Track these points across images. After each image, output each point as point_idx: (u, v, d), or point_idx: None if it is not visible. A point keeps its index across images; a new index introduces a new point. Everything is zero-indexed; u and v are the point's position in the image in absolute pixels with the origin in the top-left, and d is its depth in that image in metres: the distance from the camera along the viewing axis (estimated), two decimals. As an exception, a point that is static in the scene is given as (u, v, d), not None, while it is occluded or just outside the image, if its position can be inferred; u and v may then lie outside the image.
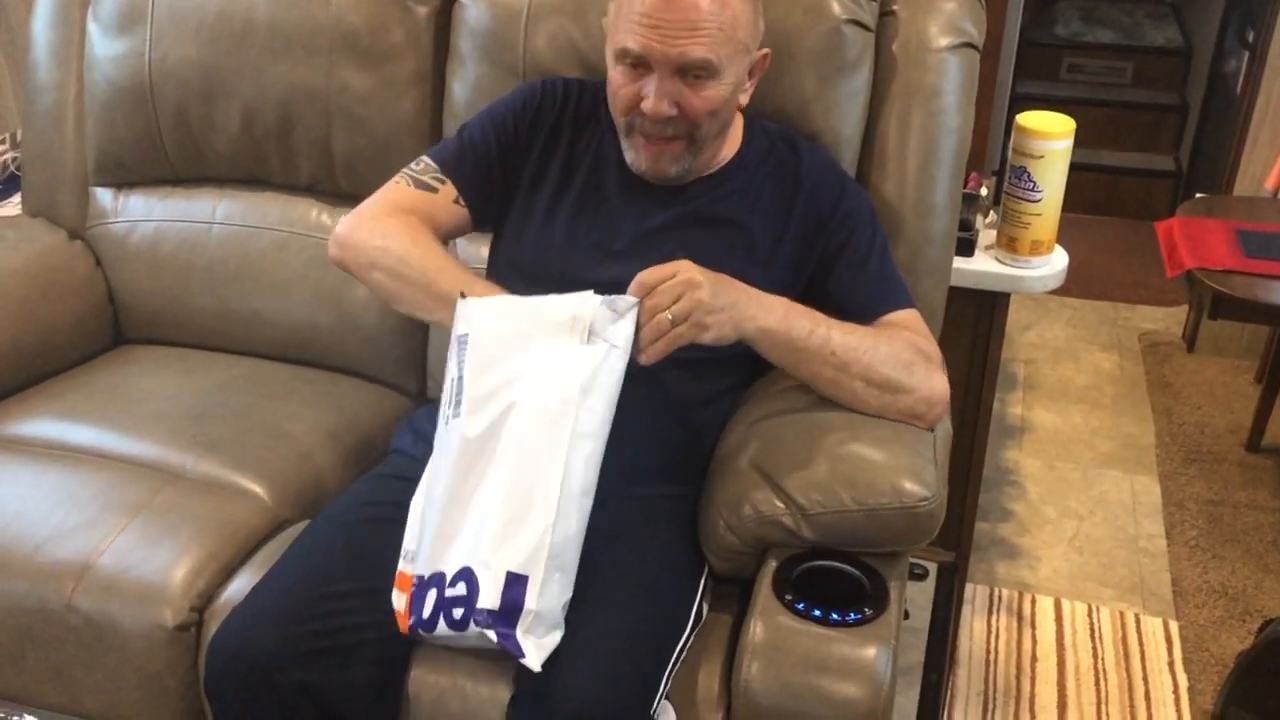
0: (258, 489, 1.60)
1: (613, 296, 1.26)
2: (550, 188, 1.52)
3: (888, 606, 1.28)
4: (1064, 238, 1.95)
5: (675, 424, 1.49)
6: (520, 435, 1.24)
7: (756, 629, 1.26)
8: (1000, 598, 2.29)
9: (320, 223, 1.88)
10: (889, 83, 1.65)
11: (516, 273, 1.51)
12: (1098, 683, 2.09)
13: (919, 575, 2.24)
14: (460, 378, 1.28)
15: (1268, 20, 2.96)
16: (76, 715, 1.48)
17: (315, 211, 1.89)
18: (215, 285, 1.90)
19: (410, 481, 1.37)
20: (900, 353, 1.40)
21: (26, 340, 1.83)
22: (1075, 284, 2.64)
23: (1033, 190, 1.85)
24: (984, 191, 2.02)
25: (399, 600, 1.28)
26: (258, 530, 1.53)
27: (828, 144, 1.63)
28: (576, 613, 1.25)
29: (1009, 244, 1.91)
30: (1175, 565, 2.39)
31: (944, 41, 1.63)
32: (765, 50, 1.47)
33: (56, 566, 1.44)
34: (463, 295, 1.32)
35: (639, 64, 1.38)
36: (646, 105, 1.38)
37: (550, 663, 1.21)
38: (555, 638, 1.23)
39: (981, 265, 1.92)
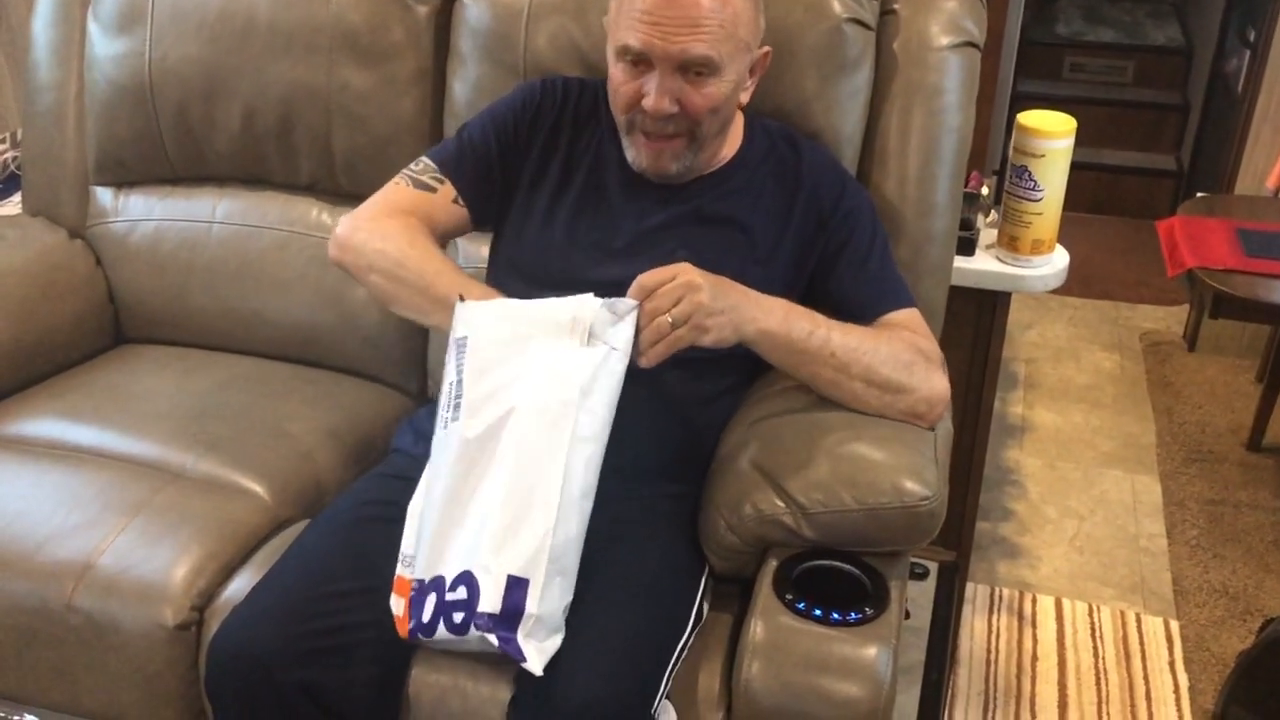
0: (258, 488, 1.59)
1: (613, 299, 1.26)
2: (550, 187, 1.52)
3: (888, 606, 1.28)
4: (1065, 237, 1.94)
5: (675, 424, 1.48)
6: (520, 438, 1.23)
7: (757, 628, 1.26)
8: (1001, 597, 2.29)
9: (321, 222, 1.88)
10: (890, 81, 1.65)
11: (516, 272, 1.51)
12: (1098, 682, 2.09)
13: (920, 575, 2.24)
14: (459, 381, 1.28)
15: (1269, 19, 2.96)
16: (77, 714, 1.48)
17: (316, 211, 1.89)
18: (216, 284, 1.90)
19: (411, 481, 1.36)
20: (900, 353, 1.40)
21: (27, 339, 1.83)
22: (1076, 283, 2.64)
23: (1034, 189, 1.85)
24: (985, 190, 2.02)
25: (397, 605, 1.28)
26: (258, 530, 1.53)
27: (828, 143, 1.62)
28: (577, 613, 1.25)
29: (1010, 243, 1.91)
30: (1176, 565, 2.38)
31: (945, 40, 1.63)
32: (766, 48, 1.47)
33: (57, 566, 1.44)
34: (461, 298, 1.32)
35: (640, 61, 1.38)
36: (647, 102, 1.38)
37: (551, 662, 1.21)
38: (556, 641, 1.23)
39: (982, 264, 1.92)
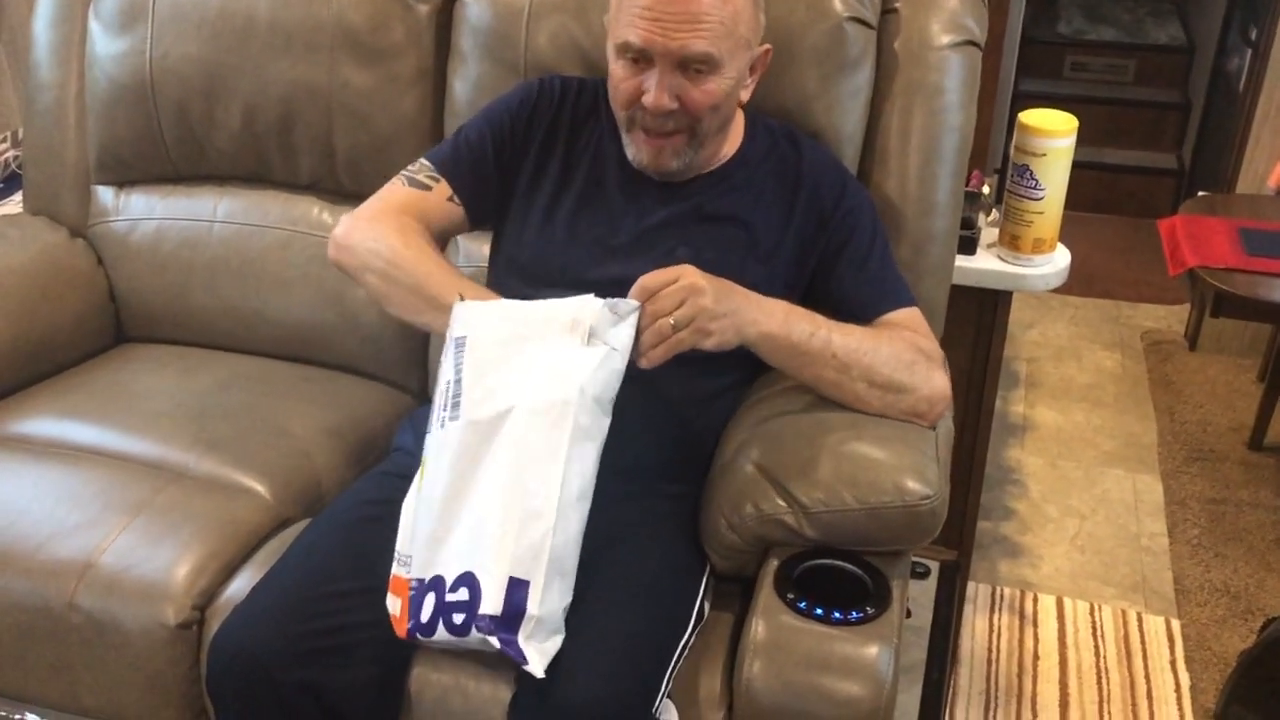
0: (259, 487, 1.59)
1: (615, 300, 1.26)
2: (550, 185, 1.52)
3: (890, 605, 1.28)
4: (1066, 236, 1.94)
5: (675, 423, 1.48)
6: (519, 438, 1.23)
7: (758, 628, 1.26)
8: (1002, 596, 2.29)
9: (322, 221, 1.88)
10: (891, 80, 1.65)
11: (517, 270, 1.51)
12: (1099, 681, 2.09)
13: (921, 574, 2.24)
14: (458, 380, 1.27)
15: (1270, 18, 2.95)
16: (78, 713, 1.48)
17: (317, 209, 1.89)
18: (216, 283, 1.90)
19: (411, 480, 1.36)
20: (901, 353, 1.40)
21: (28, 338, 1.83)
22: (1077, 282, 2.64)
23: (1035, 188, 1.85)
24: (986, 190, 2.01)
25: (394, 604, 1.27)
26: (259, 529, 1.53)
27: (829, 142, 1.62)
28: (578, 612, 1.25)
29: (1011, 242, 1.91)
30: (1177, 564, 2.38)
31: (946, 39, 1.63)
32: (767, 46, 1.47)
33: (58, 565, 1.44)
34: (461, 298, 1.32)
35: (640, 58, 1.38)
36: (648, 99, 1.38)
37: (552, 662, 1.21)
38: (556, 642, 1.22)
39: (983, 263, 1.92)
